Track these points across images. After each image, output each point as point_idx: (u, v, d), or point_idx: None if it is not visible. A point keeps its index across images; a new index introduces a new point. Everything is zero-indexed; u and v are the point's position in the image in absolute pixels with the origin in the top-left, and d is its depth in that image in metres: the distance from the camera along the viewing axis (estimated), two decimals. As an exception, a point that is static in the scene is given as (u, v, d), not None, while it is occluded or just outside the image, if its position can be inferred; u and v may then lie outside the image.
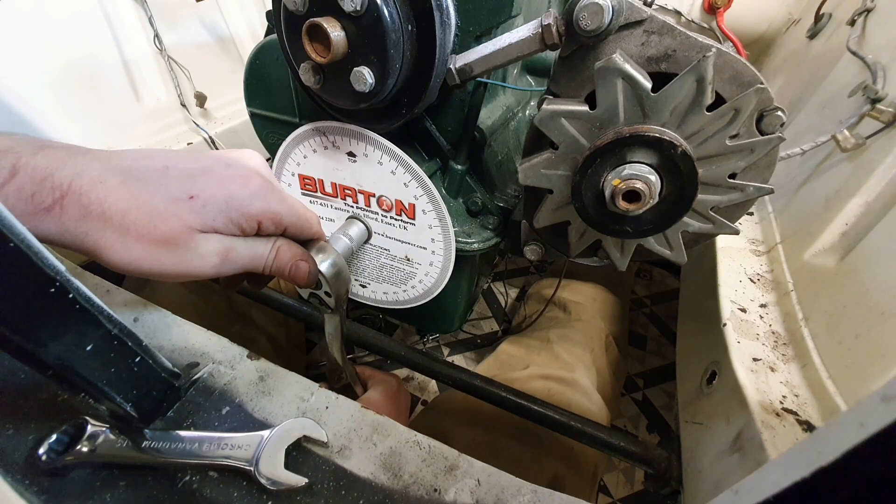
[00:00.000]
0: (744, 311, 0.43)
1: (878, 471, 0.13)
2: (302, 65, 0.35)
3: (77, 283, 0.22)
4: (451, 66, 0.36)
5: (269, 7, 0.38)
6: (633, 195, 0.30)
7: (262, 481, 0.27)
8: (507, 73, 0.51)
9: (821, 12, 0.73)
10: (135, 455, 0.28)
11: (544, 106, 0.32)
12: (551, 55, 0.56)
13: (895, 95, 0.44)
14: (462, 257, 0.48)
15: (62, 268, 0.21)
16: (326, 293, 0.39)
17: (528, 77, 0.60)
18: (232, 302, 0.70)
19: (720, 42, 0.30)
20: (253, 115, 0.52)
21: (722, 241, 0.53)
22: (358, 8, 0.30)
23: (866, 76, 0.48)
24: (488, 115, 0.47)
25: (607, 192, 0.31)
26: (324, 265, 0.36)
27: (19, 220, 0.19)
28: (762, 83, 0.28)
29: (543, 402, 0.48)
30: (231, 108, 0.85)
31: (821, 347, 0.38)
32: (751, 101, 0.28)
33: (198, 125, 0.78)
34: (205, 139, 0.77)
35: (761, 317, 0.43)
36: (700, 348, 0.48)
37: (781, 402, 0.35)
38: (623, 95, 0.30)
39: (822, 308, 0.40)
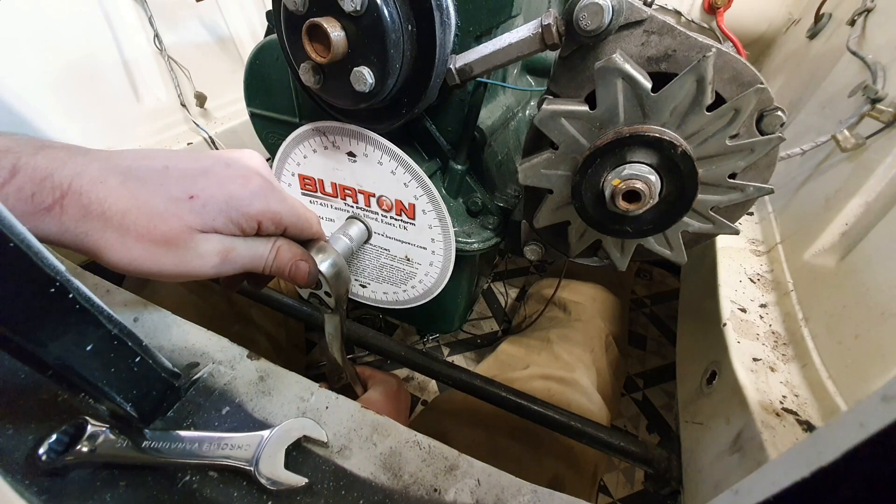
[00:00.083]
0: (744, 311, 0.43)
1: (878, 471, 0.13)
2: (302, 65, 0.35)
3: (77, 283, 0.22)
4: (451, 66, 0.36)
5: (269, 7, 0.38)
6: (633, 195, 0.30)
7: (262, 481, 0.27)
8: (507, 73, 0.51)
9: (821, 12, 0.73)
10: (135, 455, 0.28)
11: (544, 106, 0.32)
12: (551, 55, 0.56)
13: (895, 95, 0.44)
14: (462, 257, 0.48)
15: (62, 268, 0.21)
16: (326, 293, 0.39)
17: (528, 77, 0.60)
18: (232, 302, 0.70)
19: (720, 42, 0.30)
20: (253, 115, 0.52)
21: (722, 241, 0.53)
22: (358, 8, 0.30)
23: (866, 76, 0.48)
24: (488, 115, 0.47)
25: (607, 192, 0.31)
26: (324, 265, 0.36)
27: (19, 220, 0.19)
28: (762, 83, 0.28)
29: (543, 402, 0.48)
30: (231, 108, 0.85)
31: (821, 347, 0.38)
32: (751, 101, 0.28)
33: (198, 125, 0.78)
34: (205, 139, 0.77)
35: (761, 317, 0.43)
36: (700, 348, 0.48)
37: (781, 402, 0.35)
38: (623, 95, 0.30)
39: (822, 308, 0.40)
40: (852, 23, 0.59)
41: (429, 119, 0.44)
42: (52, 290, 0.21)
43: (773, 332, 0.41)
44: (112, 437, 0.28)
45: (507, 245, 0.50)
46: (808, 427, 0.33)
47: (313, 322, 0.58)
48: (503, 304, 1.12)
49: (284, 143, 0.48)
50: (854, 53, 0.53)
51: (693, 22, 0.93)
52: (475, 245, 0.47)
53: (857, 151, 0.45)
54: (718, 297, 0.45)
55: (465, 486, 0.29)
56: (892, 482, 0.13)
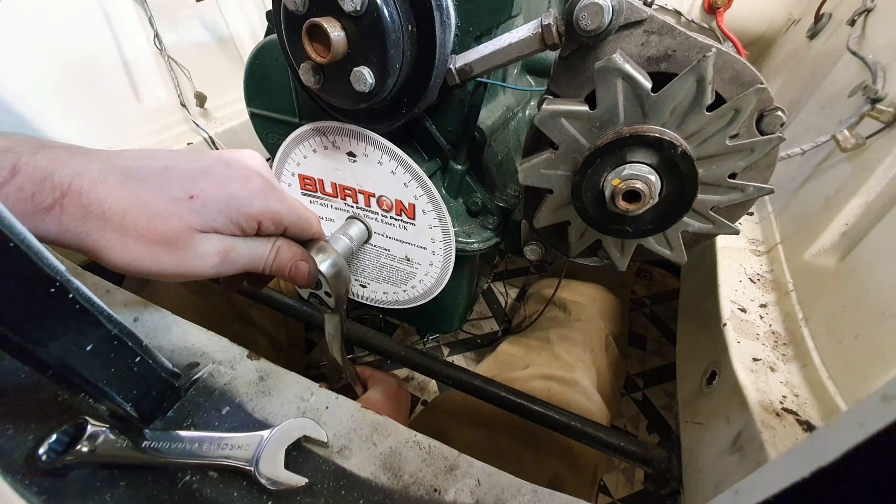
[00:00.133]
0: (744, 311, 0.43)
1: (878, 471, 0.13)
2: (302, 65, 0.35)
3: (77, 283, 0.22)
4: (451, 66, 0.36)
5: (269, 7, 0.38)
6: (633, 195, 0.30)
7: (262, 481, 0.27)
8: (507, 73, 0.51)
9: (821, 12, 0.73)
10: (135, 455, 0.28)
11: (544, 106, 0.32)
12: (551, 55, 0.56)
13: (895, 95, 0.44)
14: (462, 257, 0.48)
15: (62, 268, 0.21)
16: (326, 293, 0.39)
17: (528, 77, 0.60)
18: (232, 302, 0.70)
19: (720, 42, 0.30)
20: (253, 115, 0.52)
21: (722, 241, 0.53)
22: (358, 8, 0.30)
23: (866, 76, 0.48)
24: (488, 115, 0.47)
25: (607, 192, 0.31)
26: (324, 265, 0.36)
27: (19, 220, 0.19)
28: (762, 83, 0.28)
29: (543, 402, 0.48)
30: (231, 108, 0.85)
31: (821, 347, 0.38)
32: (751, 101, 0.28)
33: (198, 125, 0.78)
34: (205, 139, 0.77)
35: (761, 317, 0.43)
36: (700, 348, 0.48)
37: (781, 402, 0.35)
38: (623, 95, 0.30)
39: (822, 308, 0.40)
40: (852, 23, 0.59)
41: (429, 119, 0.44)
42: (52, 290, 0.21)
43: (773, 332, 0.41)
44: (112, 437, 0.28)
45: (507, 245, 0.50)
46: (808, 427, 0.33)
47: (313, 322, 0.58)
48: (503, 304, 1.12)
49: (284, 143, 0.48)
50: (854, 53, 0.53)
51: (693, 22, 0.93)
52: (475, 245, 0.47)
53: (857, 151, 0.45)
54: (718, 297, 0.45)
55: (465, 486, 0.29)
56: (892, 482, 0.13)
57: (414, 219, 0.47)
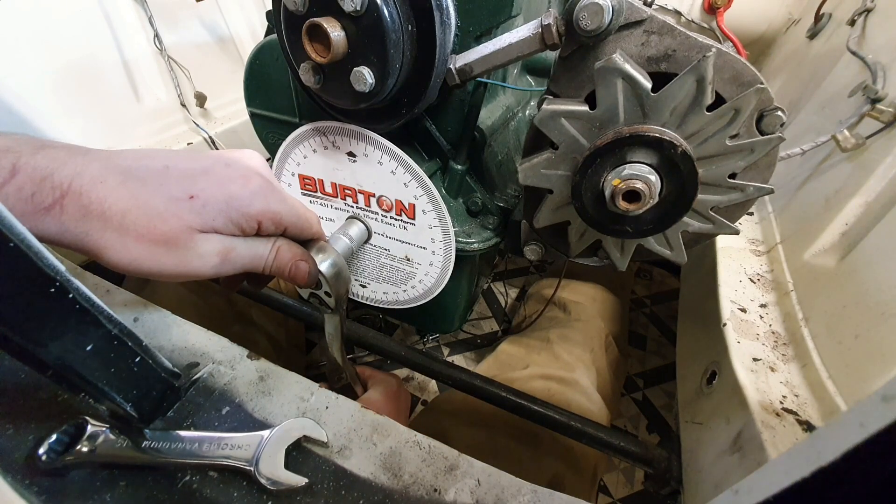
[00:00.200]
0: (744, 311, 0.43)
1: (878, 471, 0.13)
2: (302, 65, 0.35)
3: (77, 283, 0.22)
4: (451, 66, 0.36)
5: (269, 7, 0.38)
6: (633, 195, 0.30)
7: (262, 481, 0.27)
8: (507, 73, 0.51)
9: (821, 12, 0.73)
10: (135, 455, 0.28)
11: (544, 106, 0.32)
12: (551, 55, 0.56)
13: (895, 95, 0.44)
14: (462, 257, 0.48)
15: (62, 268, 0.21)
16: (326, 293, 0.39)
17: (528, 77, 0.60)
18: (232, 302, 0.70)
19: (720, 42, 0.30)
20: (253, 115, 0.52)
21: (722, 241, 0.53)
22: (358, 8, 0.30)
23: (866, 76, 0.48)
24: (488, 115, 0.47)
25: (607, 192, 0.31)
26: (324, 265, 0.36)
27: (19, 220, 0.19)
28: (762, 83, 0.28)
29: (543, 402, 0.48)
30: (231, 108, 0.85)
31: (821, 347, 0.38)
32: (751, 101, 0.28)
33: (198, 125, 0.78)
34: (205, 139, 0.77)
35: (761, 317, 0.43)
36: (700, 348, 0.48)
37: (781, 402, 0.35)
38: (623, 95, 0.30)
39: (822, 308, 0.40)
40: (852, 23, 0.59)
41: (429, 119, 0.44)
42: (52, 290, 0.21)
43: (773, 332, 0.41)
44: (112, 437, 0.28)
45: (507, 245, 0.50)
46: (808, 427, 0.33)
47: (313, 322, 0.58)
48: (503, 304, 1.12)
49: (284, 143, 0.48)
50: (854, 53, 0.53)
51: (693, 22, 0.93)
52: (475, 245, 0.47)
53: (857, 151, 0.45)
54: (718, 297, 0.45)
55: (465, 486, 0.29)
56: (892, 482, 0.13)
57: (414, 219, 0.47)
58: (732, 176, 0.32)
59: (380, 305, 0.57)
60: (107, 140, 0.68)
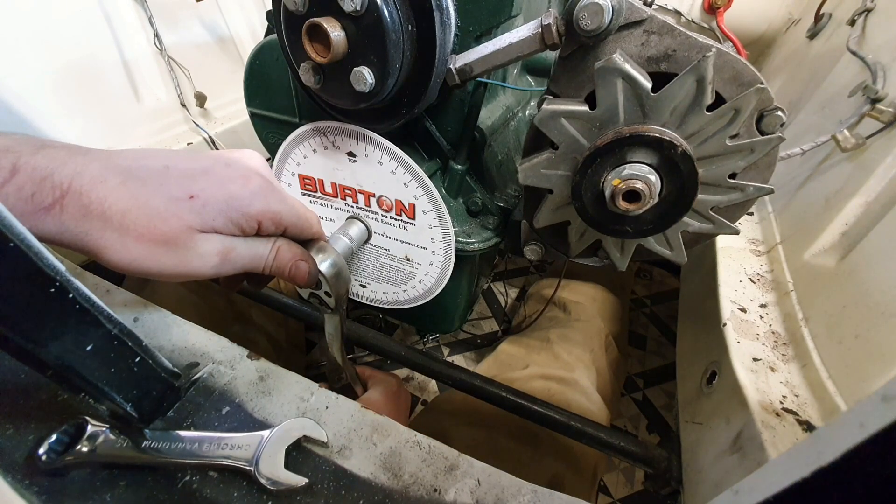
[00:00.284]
0: (744, 311, 0.43)
1: (878, 471, 0.13)
2: (302, 65, 0.35)
3: (77, 283, 0.22)
4: (451, 66, 0.36)
5: (269, 7, 0.38)
6: (633, 195, 0.30)
7: (262, 481, 0.27)
8: (507, 73, 0.51)
9: (821, 12, 0.73)
10: (135, 455, 0.28)
11: (544, 106, 0.32)
12: (551, 55, 0.56)
13: (895, 95, 0.44)
14: (462, 257, 0.48)
15: (62, 268, 0.21)
16: (326, 293, 0.39)
17: (528, 77, 0.60)
18: (232, 302, 0.70)
19: (720, 42, 0.30)
20: (253, 115, 0.52)
21: (722, 241, 0.53)
22: (358, 8, 0.30)
23: (866, 76, 0.48)
24: (488, 115, 0.47)
25: (607, 192, 0.31)
26: (324, 265, 0.36)
27: (19, 220, 0.19)
28: (762, 83, 0.28)
29: (543, 401, 0.48)
30: (231, 108, 0.85)
31: (821, 347, 0.38)
32: (751, 101, 0.28)
33: (198, 125, 0.78)
34: (205, 139, 0.77)
35: (761, 317, 0.43)
36: (700, 348, 0.48)
37: (781, 402, 0.35)
38: (623, 95, 0.30)
39: (822, 308, 0.40)
40: (852, 23, 0.59)
41: (429, 119, 0.44)
42: (52, 290, 0.21)
43: (773, 332, 0.41)
44: (112, 437, 0.28)
45: (507, 245, 0.50)
46: (808, 427, 0.33)
47: (313, 322, 0.58)
48: (503, 304, 1.12)
49: (284, 143, 0.48)
50: (854, 53, 0.53)
51: (693, 22, 0.93)
52: (475, 245, 0.47)
53: (857, 151, 0.45)
54: (718, 297, 0.45)
55: (465, 486, 0.29)
56: (892, 482, 0.13)
57: (414, 219, 0.47)
58: (732, 176, 0.32)
59: (380, 305, 0.57)
60: (107, 140, 0.68)
